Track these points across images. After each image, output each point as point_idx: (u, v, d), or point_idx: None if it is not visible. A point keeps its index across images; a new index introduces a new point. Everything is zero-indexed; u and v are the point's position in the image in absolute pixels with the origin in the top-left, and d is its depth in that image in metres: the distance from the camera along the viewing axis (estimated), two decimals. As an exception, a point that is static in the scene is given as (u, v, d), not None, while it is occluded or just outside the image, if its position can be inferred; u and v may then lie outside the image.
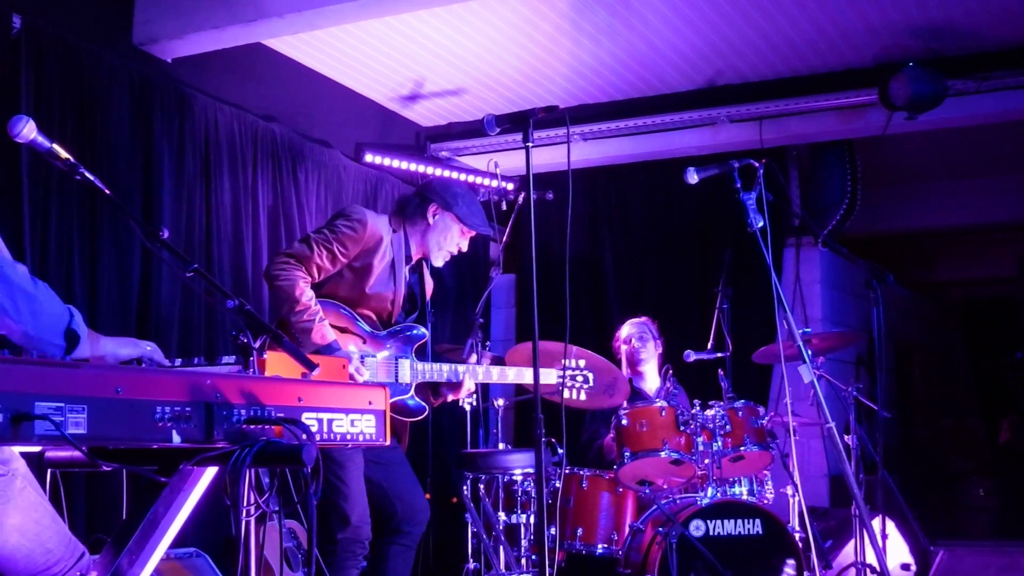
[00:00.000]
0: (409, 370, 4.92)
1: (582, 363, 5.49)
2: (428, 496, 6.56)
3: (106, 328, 5.70)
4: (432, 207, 5.02)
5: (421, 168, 8.24)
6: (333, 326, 4.71)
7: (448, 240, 5.06)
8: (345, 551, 4.74)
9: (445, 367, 5.04)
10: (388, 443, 3.24)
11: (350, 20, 6.48)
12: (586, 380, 5.49)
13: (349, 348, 4.75)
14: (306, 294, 4.64)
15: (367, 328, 4.88)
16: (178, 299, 6.18)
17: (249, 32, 6.36)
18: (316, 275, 4.75)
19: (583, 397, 5.49)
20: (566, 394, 5.40)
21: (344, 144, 7.92)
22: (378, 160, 8.11)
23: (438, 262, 5.12)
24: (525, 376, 5.25)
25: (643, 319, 7.26)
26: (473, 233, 5.13)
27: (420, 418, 5.00)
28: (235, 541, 2.95)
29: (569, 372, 5.41)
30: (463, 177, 7.97)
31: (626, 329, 7.23)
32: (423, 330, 5.03)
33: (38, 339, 2.90)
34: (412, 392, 4.93)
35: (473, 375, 5.10)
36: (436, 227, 5.03)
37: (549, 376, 5.25)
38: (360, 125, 8.16)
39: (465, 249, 5.16)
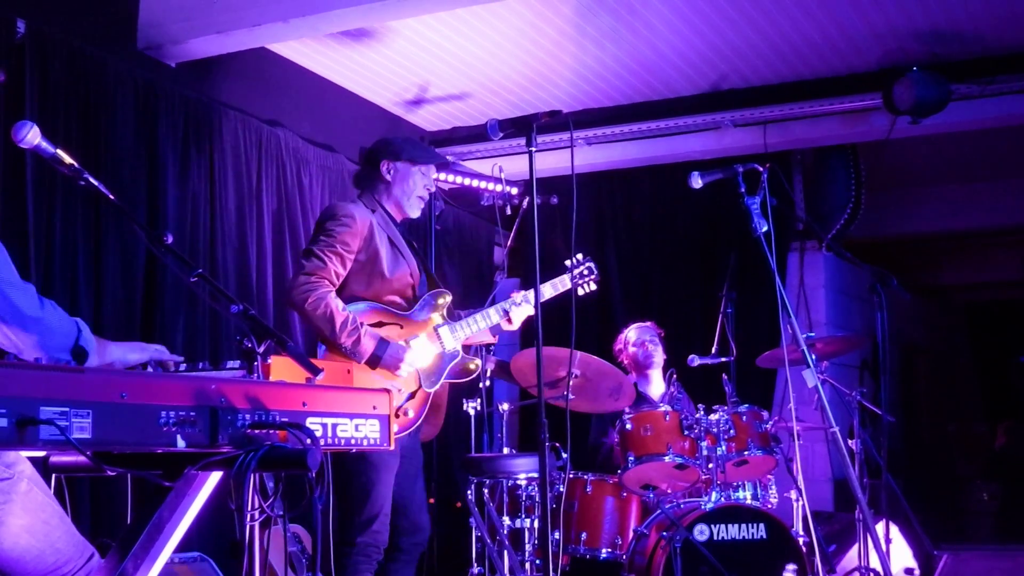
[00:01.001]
0: (451, 336, 5.02)
1: (579, 256, 5.67)
2: (432, 500, 6.58)
3: (110, 334, 5.72)
4: (383, 164, 5.05)
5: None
6: (368, 324, 4.76)
7: (412, 186, 5.08)
8: (361, 554, 4.73)
9: (478, 318, 5.14)
10: (392, 448, 3.25)
11: (355, 25, 6.49)
12: (591, 271, 5.73)
13: (394, 339, 4.82)
14: (340, 306, 4.68)
15: (399, 312, 4.94)
16: (182, 304, 6.18)
17: (254, 37, 6.37)
18: (336, 281, 4.80)
19: (593, 287, 5.74)
20: (580, 291, 5.66)
21: (348, 148, 7.92)
22: (382, 164, 8.10)
23: (414, 212, 5.15)
24: (553, 290, 5.50)
25: (649, 323, 7.26)
26: (431, 167, 5.18)
27: (475, 374, 5.12)
28: (239, 546, 2.95)
29: (576, 271, 5.64)
30: (467, 182, 7.97)
31: (634, 333, 7.21)
32: (446, 293, 5.11)
33: (48, 359, 2.93)
34: (460, 354, 5.04)
35: (500, 313, 5.21)
36: (396, 180, 5.06)
37: (563, 283, 5.53)
38: (364, 129, 8.16)
39: (433, 188, 5.22)
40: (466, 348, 5.21)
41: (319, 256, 4.76)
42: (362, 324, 4.68)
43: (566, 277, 5.56)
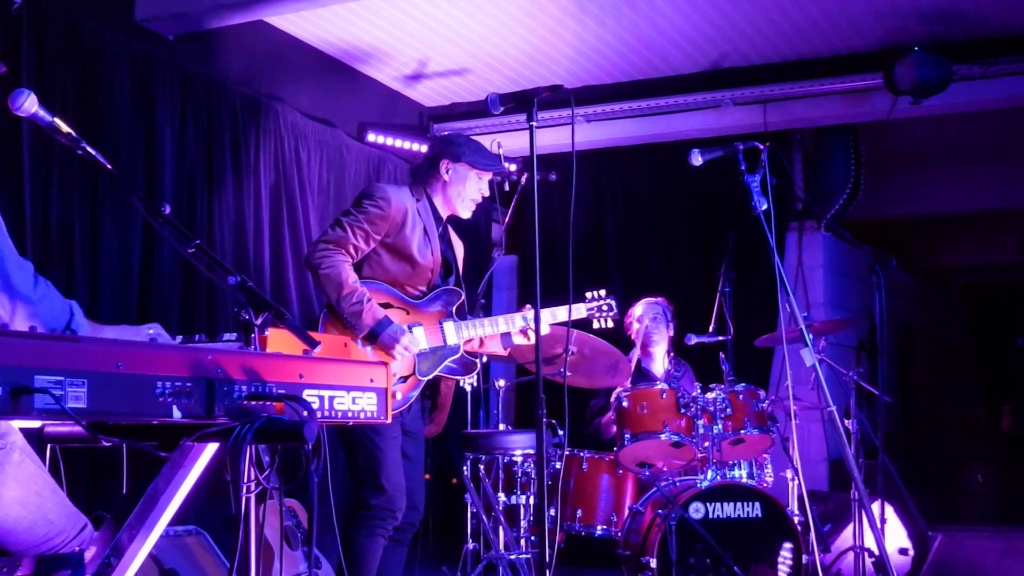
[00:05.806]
0: (455, 331, 5.02)
1: (603, 292, 5.68)
2: (428, 476, 6.59)
3: (107, 305, 5.71)
4: (443, 163, 5.09)
5: (423, 148, 8.23)
6: (376, 303, 4.79)
7: (468, 188, 5.11)
8: (377, 517, 4.77)
9: (486, 321, 5.15)
10: (388, 421, 3.23)
11: (354, -1, 6.47)
12: (611, 308, 5.67)
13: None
14: (351, 277, 4.74)
15: (408, 299, 4.95)
16: (179, 276, 6.18)
17: (252, 9, 6.33)
18: (355, 255, 4.84)
19: (611, 324, 5.71)
20: (596, 324, 5.67)
21: (347, 123, 7.91)
22: (380, 140, 8.11)
23: (465, 213, 5.19)
24: (560, 316, 5.36)
25: (659, 299, 7.24)
26: (490, 175, 5.20)
27: (474, 373, 5.14)
28: (235, 519, 2.94)
29: (595, 304, 5.64)
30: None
31: (640, 308, 7.19)
32: (459, 290, 5.12)
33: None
34: (462, 352, 5.04)
35: (510, 323, 5.19)
36: (452, 180, 5.09)
37: (578, 311, 5.54)
38: (363, 105, 8.14)
39: (487, 193, 5.23)
40: (475, 355, 5.22)
41: (344, 227, 4.82)
42: (369, 299, 4.72)
43: (582, 306, 5.60)
